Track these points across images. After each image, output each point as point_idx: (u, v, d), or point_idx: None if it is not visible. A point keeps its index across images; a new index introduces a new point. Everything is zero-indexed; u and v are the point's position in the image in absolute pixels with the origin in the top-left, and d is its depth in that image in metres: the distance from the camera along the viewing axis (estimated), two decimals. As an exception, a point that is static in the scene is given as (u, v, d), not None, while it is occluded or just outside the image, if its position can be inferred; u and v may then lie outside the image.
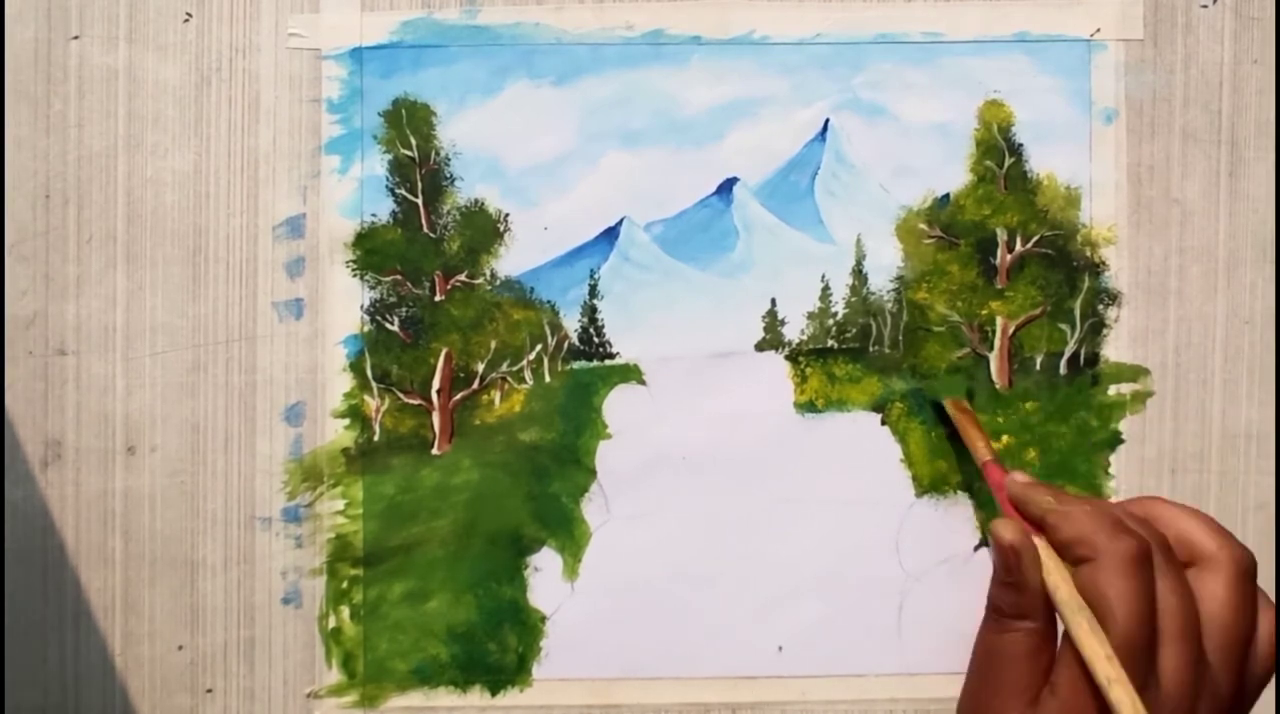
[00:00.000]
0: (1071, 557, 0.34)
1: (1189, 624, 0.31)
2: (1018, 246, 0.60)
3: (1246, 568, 0.34)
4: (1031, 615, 0.34)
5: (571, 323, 0.59)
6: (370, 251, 0.59)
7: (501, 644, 0.58)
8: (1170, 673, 0.31)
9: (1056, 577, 0.33)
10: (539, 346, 0.59)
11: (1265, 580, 0.58)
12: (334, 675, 0.58)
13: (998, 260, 0.60)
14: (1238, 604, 0.33)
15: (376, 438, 0.59)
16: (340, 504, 0.58)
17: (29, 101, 0.57)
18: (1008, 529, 0.34)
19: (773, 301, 0.59)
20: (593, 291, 0.59)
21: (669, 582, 0.59)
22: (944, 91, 0.59)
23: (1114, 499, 0.59)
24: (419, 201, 0.59)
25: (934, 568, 0.59)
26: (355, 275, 0.58)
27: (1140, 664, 0.30)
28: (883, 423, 0.60)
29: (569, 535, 0.59)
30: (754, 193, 0.59)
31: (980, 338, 0.60)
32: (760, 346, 0.59)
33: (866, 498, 0.59)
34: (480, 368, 0.59)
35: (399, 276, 0.59)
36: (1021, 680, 0.33)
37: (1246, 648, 0.33)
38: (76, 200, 0.58)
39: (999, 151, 0.59)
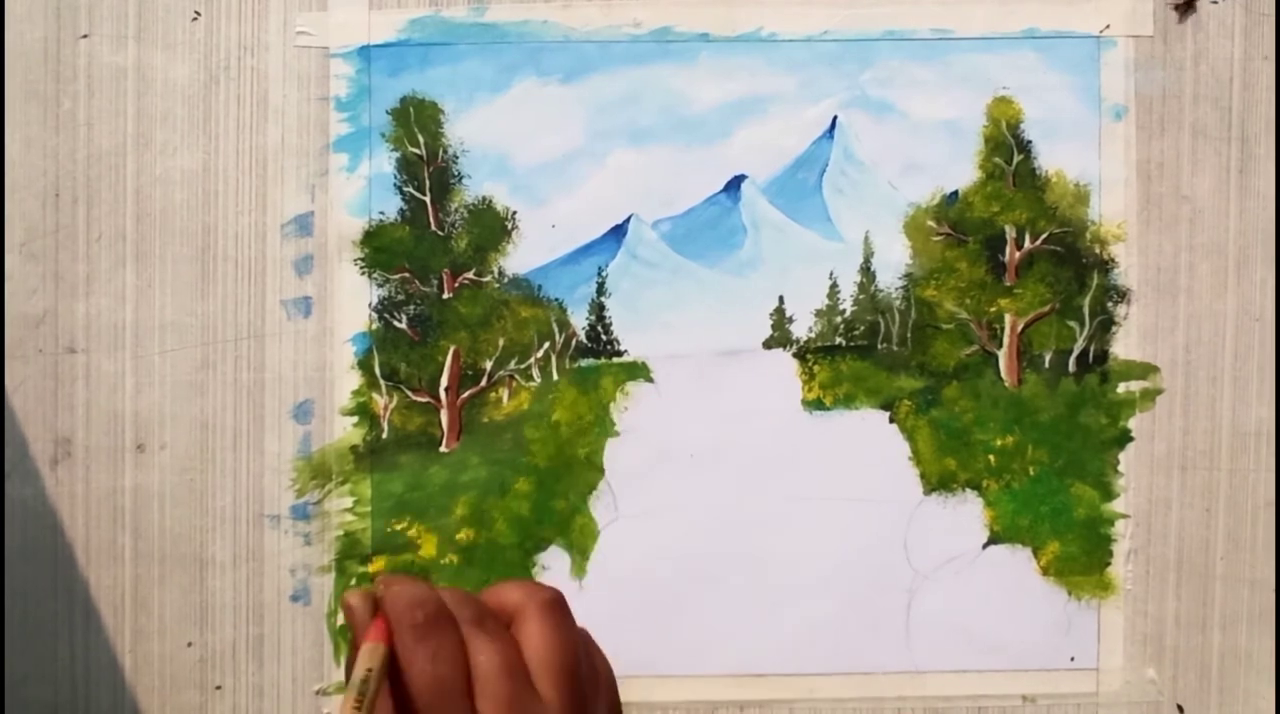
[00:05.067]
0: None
1: (499, 670, 0.35)
2: (1026, 244, 0.60)
3: (548, 602, 0.38)
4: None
5: (579, 320, 0.59)
6: (378, 249, 0.59)
7: (510, 642, 0.58)
8: (489, 710, 0.34)
9: (355, 655, 0.36)
10: (547, 344, 0.59)
11: (1268, 579, 0.58)
12: (342, 673, 0.58)
13: (1006, 257, 0.60)
14: (547, 636, 0.36)
15: (385, 435, 0.59)
16: (348, 501, 0.58)
17: (39, 100, 0.58)
18: (353, 595, 0.37)
19: (781, 299, 0.59)
20: (600, 289, 0.59)
21: (677, 579, 0.59)
22: (953, 88, 0.59)
23: (1121, 497, 0.59)
24: (427, 199, 0.59)
25: (942, 565, 0.59)
26: (363, 273, 0.59)
27: (461, 707, 0.34)
28: (891, 421, 0.60)
29: (577, 534, 0.59)
30: (762, 190, 0.59)
31: (989, 335, 0.60)
32: (768, 344, 0.59)
33: (874, 496, 0.59)
34: (488, 366, 0.59)
35: (407, 274, 0.59)
36: None
37: (575, 671, 0.37)
38: (86, 199, 0.58)
39: (1008, 148, 0.59)
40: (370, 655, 0.35)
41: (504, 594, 0.39)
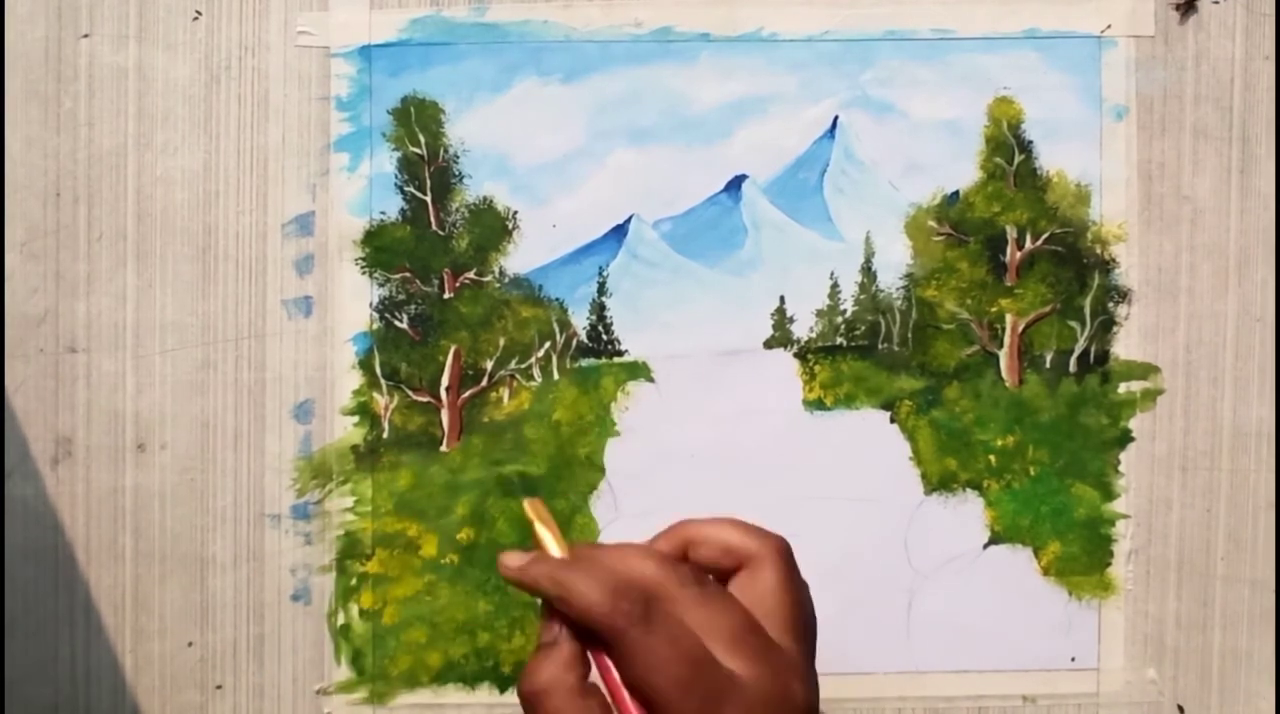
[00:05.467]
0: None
1: (740, 627, 0.34)
2: (1027, 244, 0.60)
3: (783, 551, 0.38)
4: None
5: (580, 320, 0.59)
6: (379, 249, 0.59)
7: (510, 642, 0.58)
8: (744, 676, 0.33)
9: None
10: (547, 344, 0.59)
11: (1269, 579, 0.58)
12: (343, 672, 0.58)
13: (1007, 258, 0.60)
14: (787, 586, 0.36)
15: (385, 435, 0.59)
16: (349, 501, 0.58)
17: (40, 100, 0.58)
18: (511, 558, 0.36)
19: (781, 299, 0.59)
20: (601, 289, 0.59)
21: (677, 579, 0.59)
22: (953, 88, 0.59)
23: (1122, 497, 0.59)
24: (428, 199, 0.59)
25: (942, 566, 0.59)
26: (364, 273, 0.59)
27: (708, 681, 0.32)
28: (891, 421, 0.59)
29: (578, 533, 0.59)
30: (763, 190, 0.59)
31: (990, 335, 0.60)
32: (769, 344, 0.59)
33: (875, 496, 0.59)
34: (489, 365, 0.59)
35: (408, 274, 0.59)
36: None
37: (811, 622, 0.37)
38: (87, 198, 0.58)
39: (1009, 148, 0.59)
40: (541, 518, 0.35)
41: (725, 538, 0.37)
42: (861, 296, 0.59)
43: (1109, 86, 0.59)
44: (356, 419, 0.59)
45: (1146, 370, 0.59)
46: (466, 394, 0.59)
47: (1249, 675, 0.59)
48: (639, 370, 0.59)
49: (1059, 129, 0.59)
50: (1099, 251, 0.59)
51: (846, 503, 0.59)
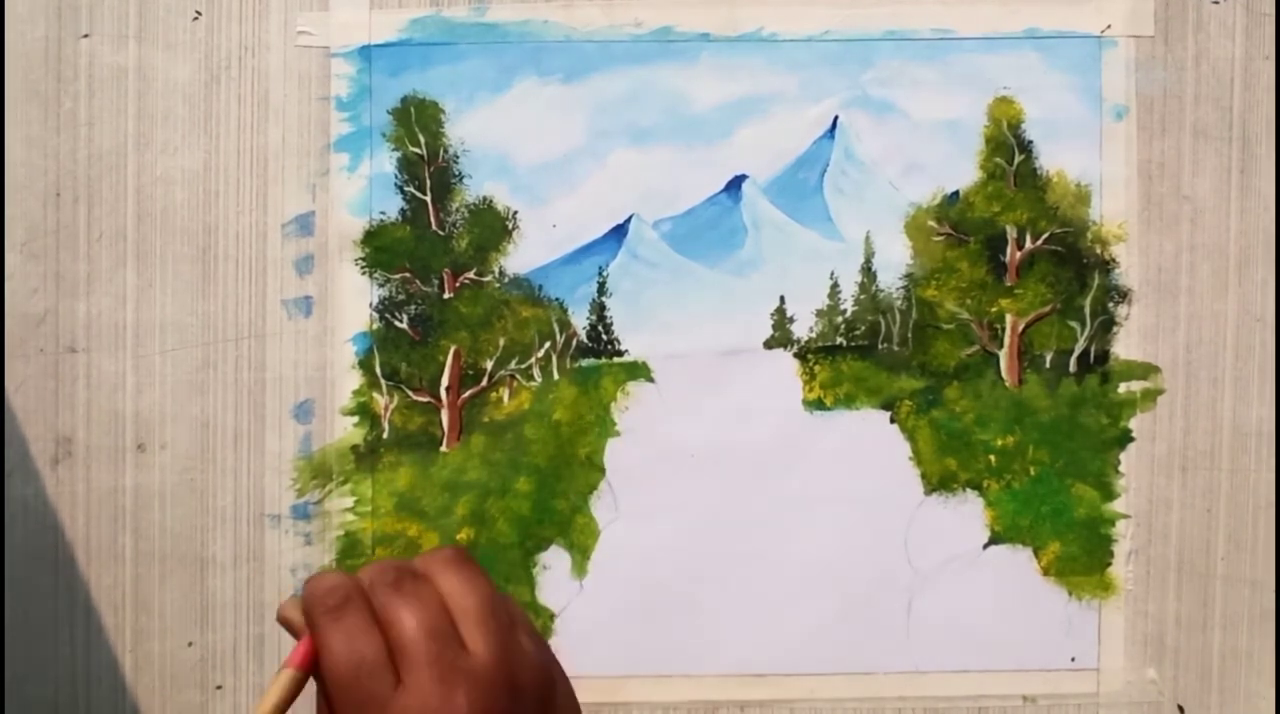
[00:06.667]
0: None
1: (417, 631, 0.35)
2: (1027, 244, 0.60)
3: (453, 554, 0.38)
4: None
5: (580, 320, 0.59)
6: (379, 249, 0.59)
7: (510, 641, 0.58)
8: (412, 676, 0.34)
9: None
10: (547, 344, 0.59)
11: (1269, 579, 0.58)
12: (343, 672, 0.58)
13: (1007, 258, 0.60)
14: (462, 583, 0.37)
15: (385, 435, 0.59)
16: (349, 501, 0.58)
17: (39, 100, 0.58)
18: (285, 606, 0.38)
19: (781, 299, 0.59)
20: (601, 289, 0.59)
21: (677, 579, 0.59)
22: (954, 88, 0.59)
23: (1122, 497, 0.59)
24: (428, 199, 0.59)
25: (942, 566, 0.59)
26: (364, 273, 0.59)
27: (383, 679, 0.34)
28: (891, 421, 0.60)
29: (578, 533, 0.59)
30: (763, 190, 0.59)
31: (990, 335, 0.60)
32: (769, 344, 0.59)
33: (875, 496, 0.59)
34: (489, 365, 0.59)
35: (408, 274, 0.59)
36: None
37: (495, 613, 0.37)
38: (87, 198, 0.58)
39: (1009, 148, 0.59)
40: (275, 688, 0.35)
41: (415, 563, 0.38)
42: (861, 296, 0.59)
43: (1109, 86, 0.59)
44: (356, 419, 0.59)
45: (1146, 370, 0.59)
46: (466, 394, 0.59)
47: (1249, 675, 0.59)
48: (639, 370, 0.59)
49: (1059, 129, 0.59)
50: (1099, 251, 0.59)
51: (846, 503, 0.59)
